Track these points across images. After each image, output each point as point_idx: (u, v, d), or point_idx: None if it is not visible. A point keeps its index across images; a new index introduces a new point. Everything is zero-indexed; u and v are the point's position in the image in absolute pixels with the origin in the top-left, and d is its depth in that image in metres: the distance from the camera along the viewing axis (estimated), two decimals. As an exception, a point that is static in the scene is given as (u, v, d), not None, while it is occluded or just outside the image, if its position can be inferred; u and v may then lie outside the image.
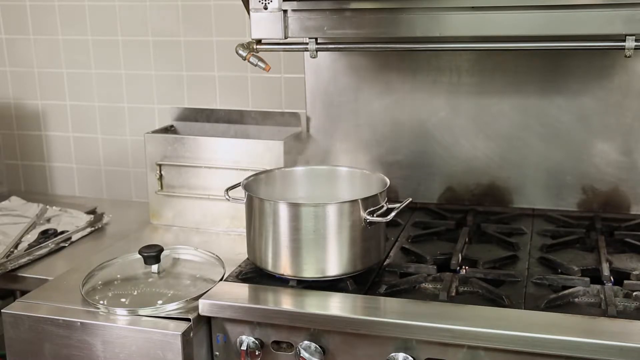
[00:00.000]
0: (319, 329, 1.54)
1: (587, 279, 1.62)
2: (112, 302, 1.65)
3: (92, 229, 2.20)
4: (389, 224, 1.72)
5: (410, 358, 1.48)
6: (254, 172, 1.85)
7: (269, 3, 1.74)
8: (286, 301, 1.60)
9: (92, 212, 2.34)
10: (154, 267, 1.79)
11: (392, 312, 1.53)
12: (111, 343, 1.58)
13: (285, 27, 1.76)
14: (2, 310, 1.66)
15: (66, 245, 2.08)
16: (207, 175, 2.12)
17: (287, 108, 2.30)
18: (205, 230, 2.14)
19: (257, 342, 1.58)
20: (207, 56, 2.37)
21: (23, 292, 1.77)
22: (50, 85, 2.58)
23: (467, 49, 1.95)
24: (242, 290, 1.66)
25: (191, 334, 1.57)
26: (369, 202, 1.63)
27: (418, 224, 2.04)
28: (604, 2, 1.58)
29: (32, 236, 2.10)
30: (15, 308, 1.66)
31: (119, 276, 1.80)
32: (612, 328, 1.41)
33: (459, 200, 2.17)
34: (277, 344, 1.59)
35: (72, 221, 2.23)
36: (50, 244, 2.04)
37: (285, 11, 1.75)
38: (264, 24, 1.76)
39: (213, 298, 1.61)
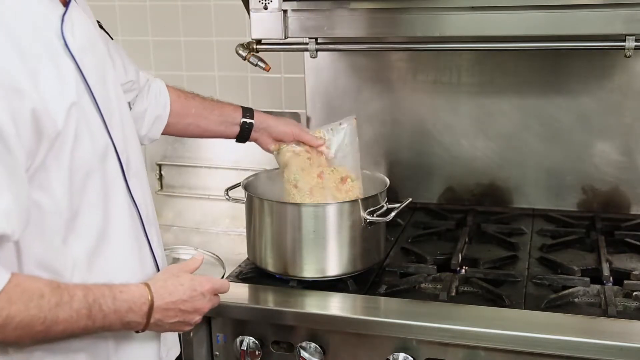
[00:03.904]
0: (319, 329, 1.54)
1: (587, 279, 1.61)
2: (112, 302, 1.65)
3: (92, 229, 2.19)
4: (389, 224, 1.72)
5: (410, 358, 1.48)
6: (254, 172, 1.85)
7: (269, 3, 1.73)
8: (286, 301, 1.59)
9: (92, 212, 2.33)
10: (154, 267, 1.78)
11: (392, 312, 1.53)
12: (111, 343, 1.58)
13: (285, 27, 1.76)
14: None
15: (66, 245, 2.07)
16: (207, 175, 2.12)
17: (287, 108, 2.30)
18: (205, 230, 2.14)
19: (257, 342, 1.58)
20: (207, 56, 2.37)
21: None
22: (50, 85, 2.57)
23: (467, 49, 1.95)
24: (242, 290, 1.66)
25: (191, 334, 1.57)
26: (369, 202, 1.63)
27: (418, 224, 2.04)
28: (604, 2, 1.58)
29: (32, 236, 2.10)
30: (15, 308, 1.65)
31: (119, 276, 1.79)
32: (612, 328, 1.41)
33: (459, 200, 2.17)
34: (277, 344, 1.59)
35: (72, 221, 2.23)
36: (50, 244, 2.03)
37: (285, 11, 1.75)
38: (264, 24, 1.76)
39: (213, 298, 1.61)
